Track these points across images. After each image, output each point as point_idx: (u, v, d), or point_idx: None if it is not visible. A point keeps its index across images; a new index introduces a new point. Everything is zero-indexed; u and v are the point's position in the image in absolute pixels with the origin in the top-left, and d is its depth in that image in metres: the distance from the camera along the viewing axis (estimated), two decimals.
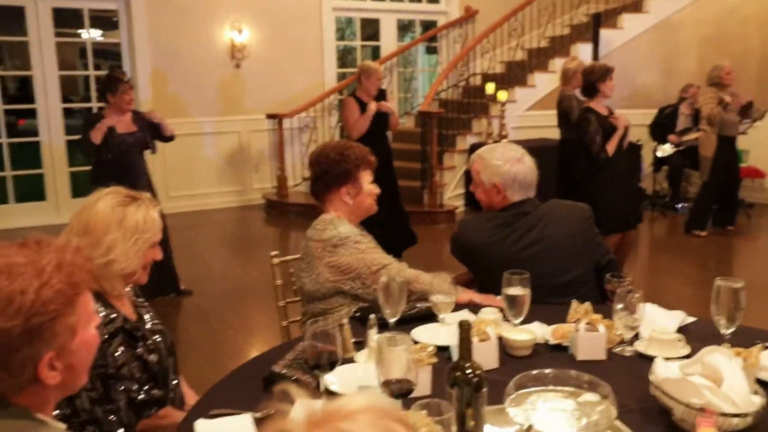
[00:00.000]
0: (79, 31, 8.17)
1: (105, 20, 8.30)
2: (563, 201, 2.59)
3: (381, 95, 5.53)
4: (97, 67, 8.31)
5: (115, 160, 4.61)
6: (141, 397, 1.80)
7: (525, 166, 2.49)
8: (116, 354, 1.77)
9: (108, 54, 8.77)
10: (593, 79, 4.70)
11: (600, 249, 2.54)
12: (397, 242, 5.42)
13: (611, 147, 4.69)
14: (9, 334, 1.10)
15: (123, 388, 1.77)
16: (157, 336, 1.93)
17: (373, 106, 5.32)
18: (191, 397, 2.04)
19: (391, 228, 5.38)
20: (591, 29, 8.43)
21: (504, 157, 2.48)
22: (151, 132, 4.83)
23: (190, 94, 7.93)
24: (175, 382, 1.98)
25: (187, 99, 7.92)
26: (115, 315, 1.80)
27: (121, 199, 1.83)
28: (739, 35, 8.51)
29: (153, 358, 1.87)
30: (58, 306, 1.14)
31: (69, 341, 1.18)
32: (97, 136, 4.55)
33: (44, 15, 7.38)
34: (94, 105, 7.94)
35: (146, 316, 1.96)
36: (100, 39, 9.33)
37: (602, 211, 4.77)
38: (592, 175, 4.79)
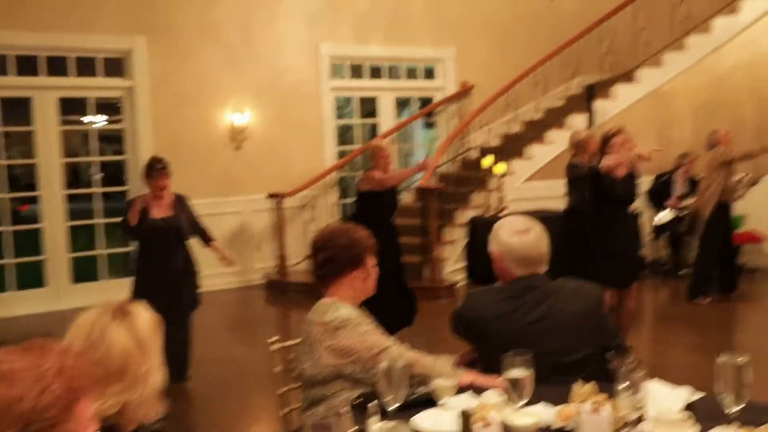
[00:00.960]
0: (84, 118, 8.36)
1: (109, 106, 8.50)
2: (573, 280, 2.55)
3: None
4: (101, 152, 8.45)
5: (147, 243, 4.83)
6: None
7: (526, 239, 2.44)
8: None
9: (112, 139, 8.95)
10: (604, 143, 5.06)
11: (609, 331, 2.51)
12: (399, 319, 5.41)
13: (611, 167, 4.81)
14: None
15: None
16: None
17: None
18: None
19: (398, 304, 5.42)
20: (585, 100, 8.61)
21: (509, 228, 2.49)
22: (193, 226, 5.03)
23: (191, 177, 8.00)
24: None
25: (188, 181, 7.95)
26: None
27: (116, 317, 1.69)
28: (731, 103, 8.71)
29: None
30: (56, 412, 1.13)
31: None
32: (132, 216, 4.72)
33: (50, 104, 7.57)
34: (96, 190, 8.06)
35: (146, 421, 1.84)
36: (104, 125, 9.53)
37: (597, 266, 4.86)
38: (595, 234, 4.94)
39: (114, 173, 8.63)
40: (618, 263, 4.94)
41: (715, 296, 6.76)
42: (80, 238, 8.23)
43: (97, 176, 8.41)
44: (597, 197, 5.00)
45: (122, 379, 1.64)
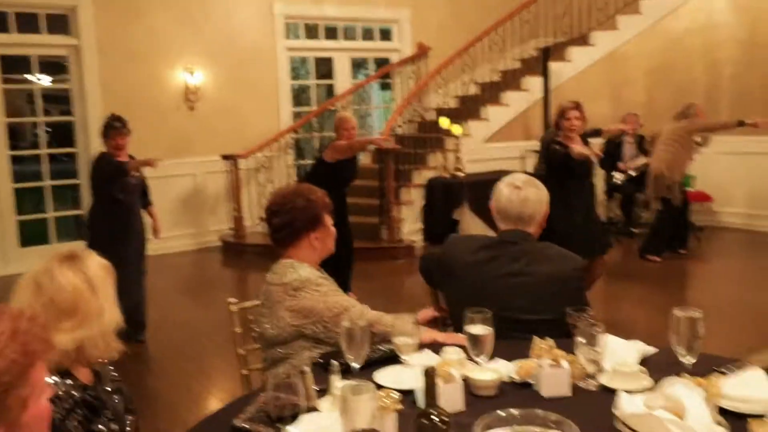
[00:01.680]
0: (28, 76, 8.04)
1: (54, 65, 8.19)
2: (559, 247, 2.50)
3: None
4: (46, 113, 8.17)
5: (122, 200, 4.81)
6: None
7: (514, 195, 2.43)
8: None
9: (58, 99, 8.63)
10: (556, 118, 5.11)
11: (581, 303, 2.51)
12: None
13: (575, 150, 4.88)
14: None
15: None
16: (116, 397, 1.84)
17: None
18: None
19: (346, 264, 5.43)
20: (540, 62, 8.64)
21: (508, 180, 2.49)
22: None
23: (143, 138, 7.79)
24: None
25: (140, 142, 7.75)
26: (71, 386, 1.68)
27: (64, 261, 1.72)
28: (683, 66, 8.84)
29: (113, 428, 1.77)
30: (11, 378, 1.10)
31: (20, 415, 1.13)
32: (133, 167, 4.77)
33: None
34: (43, 152, 7.81)
35: (102, 374, 1.86)
36: (49, 84, 9.19)
37: (565, 241, 4.93)
38: (555, 206, 4.96)
39: (62, 134, 8.35)
40: (586, 233, 4.99)
41: (666, 254, 6.96)
42: (27, 200, 8.00)
43: (44, 137, 8.14)
44: (559, 172, 5.00)
45: (73, 315, 1.65)
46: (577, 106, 5.05)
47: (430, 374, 1.35)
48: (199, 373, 4.46)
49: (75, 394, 1.68)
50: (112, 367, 1.91)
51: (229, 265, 7.79)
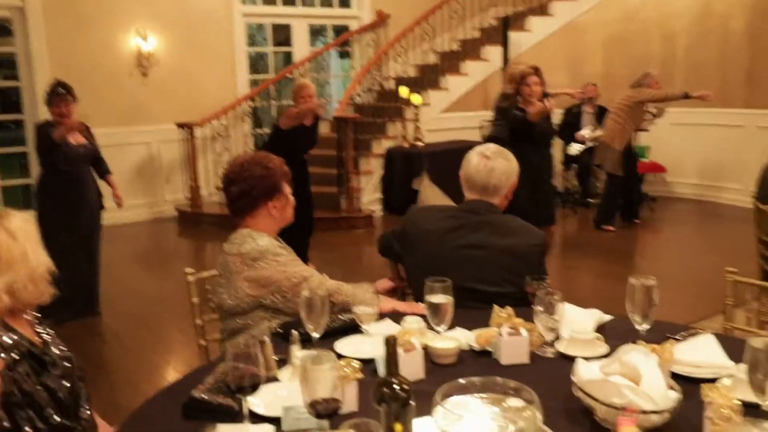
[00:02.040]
0: None
1: None
2: (522, 220, 2.49)
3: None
4: None
5: (67, 171, 4.63)
6: (47, 426, 1.71)
7: (481, 164, 2.41)
8: (21, 381, 1.68)
9: (3, 63, 8.31)
10: (515, 84, 5.15)
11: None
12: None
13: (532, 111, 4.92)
14: None
15: (29, 416, 1.67)
16: (65, 362, 1.83)
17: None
18: (104, 429, 1.93)
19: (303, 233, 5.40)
20: (500, 32, 8.63)
21: (478, 150, 2.47)
22: (94, 157, 4.90)
23: (94, 105, 7.57)
24: (88, 412, 1.87)
25: (91, 110, 7.54)
26: (18, 339, 1.72)
27: None
28: (640, 38, 8.92)
29: (63, 385, 1.77)
30: None
31: None
32: (61, 135, 4.51)
33: None
34: None
35: (49, 341, 1.86)
36: None
37: (512, 207, 5.00)
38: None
39: (8, 100, 8.06)
40: (540, 201, 5.06)
41: (621, 224, 7.10)
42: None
43: None
44: (516, 137, 5.04)
45: None
46: (536, 71, 5.09)
47: (390, 342, 1.35)
48: (157, 344, 4.41)
49: (23, 345, 1.73)
50: (59, 341, 1.90)
51: (185, 235, 7.68)
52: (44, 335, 1.85)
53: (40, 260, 1.78)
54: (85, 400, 1.87)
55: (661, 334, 1.91)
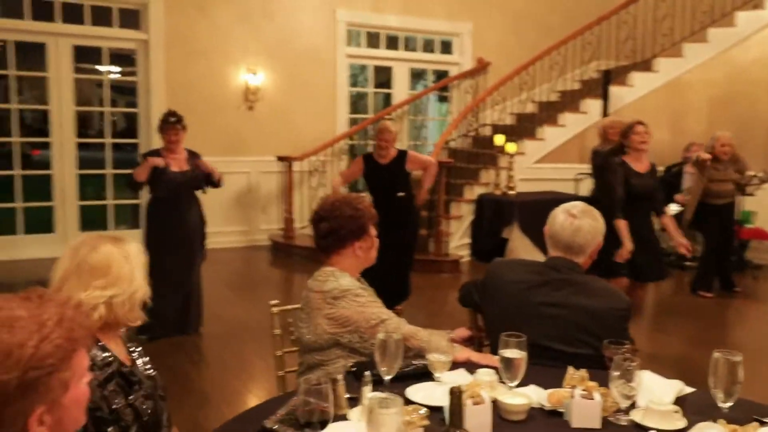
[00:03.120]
0: (98, 67, 8.35)
1: (123, 57, 8.49)
2: (605, 282, 2.46)
3: (399, 163, 5.49)
4: (113, 103, 8.46)
5: (166, 197, 4.91)
6: None
7: (567, 223, 2.39)
8: (111, 398, 1.77)
9: (125, 90, 8.94)
10: (621, 137, 5.02)
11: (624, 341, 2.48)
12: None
13: (621, 225, 4.79)
14: (5, 387, 1.11)
15: None
16: (149, 381, 1.93)
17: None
18: None
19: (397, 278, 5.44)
20: (601, 85, 8.53)
21: (565, 207, 2.46)
22: (205, 177, 5.08)
23: (202, 134, 8.03)
24: None
25: (199, 138, 8.00)
26: (111, 358, 1.81)
27: (104, 237, 1.89)
28: (747, 97, 8.61)
29: (147, 405, 1.86)
30: (55, 361, 1.15)
31: (61, 396, 1.18)
32: (140, 173, 4.84)
33: (65, 51, 7.56)
34: (107, 141, 8.07)
35: (139, 362, 1.96)
36: (118, 76, 9.52)
37: (608, 254, 4.85)
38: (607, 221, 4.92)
39: (126, 125, 8.65)
40: (646, 258, 4.89)
41: (718, 291, 6.78)
42: (90, 186, 8.28)
43: (109, 126, 8.44)
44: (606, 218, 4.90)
45: (106, 275, 1.79)
46: (641, 122, 4.98)
47: (456, 394, 1.37)
48: (239, 369, 4.54)
49: (114, 365, 1.81)
50: (147, 358, 2.00)
51: (276, 264, 7.91)
52: (134, 353, 1.96)
53: (142, 286, 1.88)
54: (165, 420, 1.95)
55: (747, 413, 1.83)
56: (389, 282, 5.46)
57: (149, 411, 1.86)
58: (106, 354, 1.80)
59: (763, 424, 1.80)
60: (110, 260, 1.81)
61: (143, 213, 5.36)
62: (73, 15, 7.57)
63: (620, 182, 4.84)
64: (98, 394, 1.72)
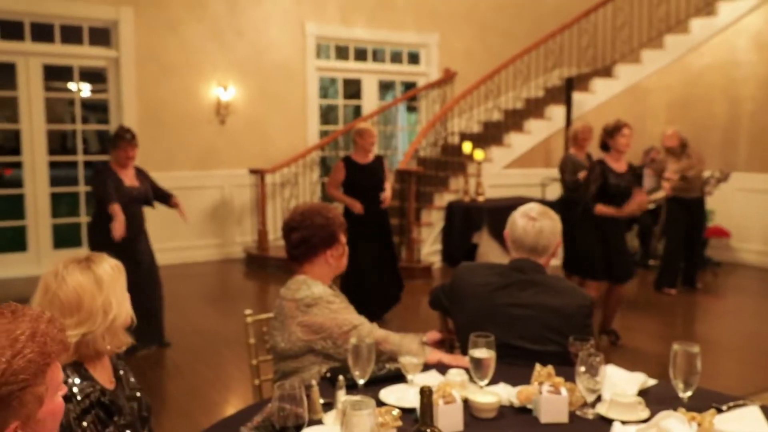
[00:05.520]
0: (69, 85, 8.31)
1: (94, 75, 8.45)
2: (568, 281, 2.55)
3: (378, 162, 5.84)
4: (84, 121, 8.41)
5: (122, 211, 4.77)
6: None
7: (529, 226, 2.46)
8: (86, 430, 1.71)
9: (97, 108, 8.89)
10: (605, 136, 5.10)
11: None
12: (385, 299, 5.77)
13: (602, 209, 4.89)
14: None
15: None
16: (133, 403, 1.91)
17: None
18: None
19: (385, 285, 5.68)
20: (564, 92, 8.71)
21: (523, 210, 2.52)
22: (154, 192, 5.08)
23: (174, 149, 8.05)
24: None
25: (171, 153, 8.02)
26: (91, 389, 1.74)
27: (74, 263, 1.80)
28: (702, 101, 8.85)
29: None
30: (28, 376, 1.15)
31: (35, 411, 1.18)
32: (118, 228, 4.65)
33: (35, 70, 7.52)
34: (80, 158, 8.03)
35: (124, 381, 1.93)
36: (89, 94, 9.47)
37: (586, 258, 4.95)
38: (582, 223, 5.03)
39: (99, 142, 8.60)
40: (619, 258, 5.05)
41: (681, 288, 6.95)
42: (63, 204, 8.20)
43: (81, 144, 8.39)
44: (598, 191, 5.00)
45: (77, 312, 1.73)
46: (627, 124, 5.08)
47: (426, 393, 1.43)
48: (215, 380, 4.57)
49: (92, 395, 1.74)
50: (131, 376, 1.99)
51: (251, 276, 7.92)
52: (120, 371, 1.92)
53: (122, 311, 1.81)
54: None
55: (706, 402, 1.91)
56: (387, 273, 5.77)
57: None
58: (86, 383, 1.74)
59: (720, 411, 1.88)
60: (80, 295, 1.73)
61: (86, 233, 5.19)
62: (43, 34, 7.52)
63: (595, 180, 4.96)
64: (73, 427, 1.67)
